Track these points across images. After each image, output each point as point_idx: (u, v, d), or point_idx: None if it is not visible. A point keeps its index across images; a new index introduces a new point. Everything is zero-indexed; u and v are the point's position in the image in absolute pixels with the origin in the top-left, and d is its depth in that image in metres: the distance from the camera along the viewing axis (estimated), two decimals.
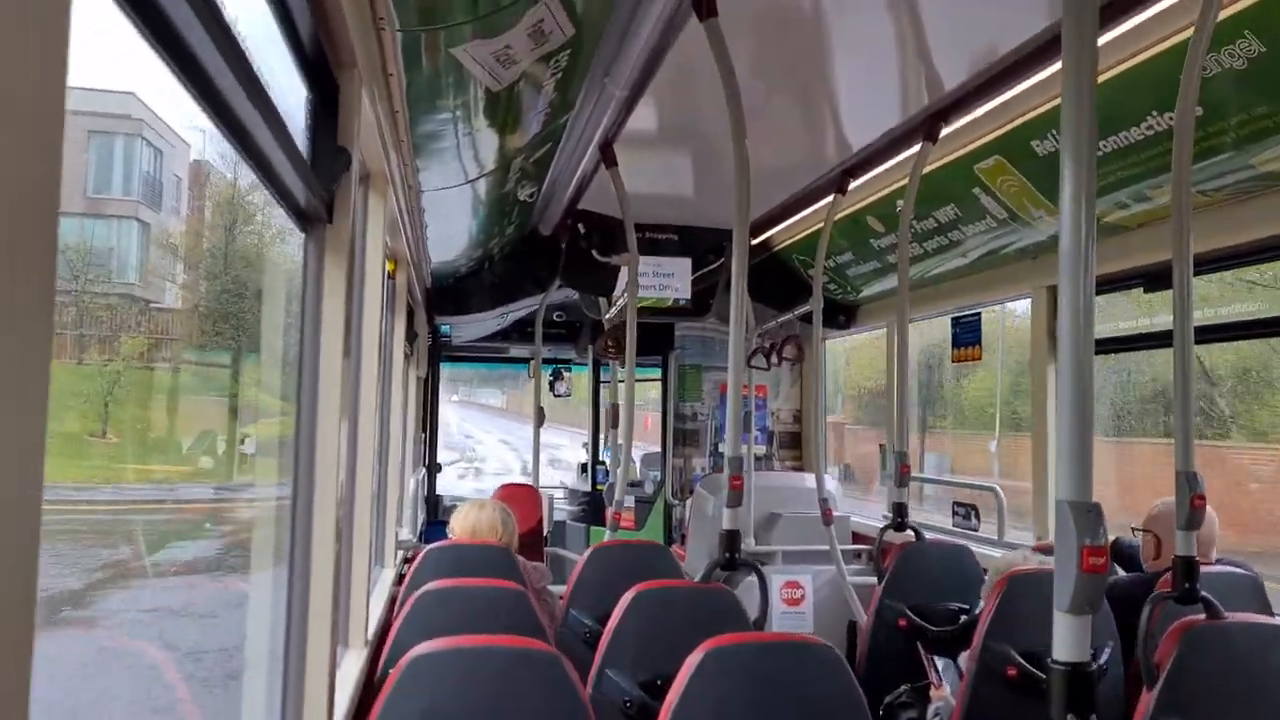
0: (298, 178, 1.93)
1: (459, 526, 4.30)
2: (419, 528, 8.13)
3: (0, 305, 0.59)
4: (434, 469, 9.49)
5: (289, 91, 2.02)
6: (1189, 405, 2.92)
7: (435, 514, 9.16)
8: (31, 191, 0.63)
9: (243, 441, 4.21)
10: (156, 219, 4.50)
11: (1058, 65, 2.81)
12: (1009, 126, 4.31)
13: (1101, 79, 3.64)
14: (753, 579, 3.66)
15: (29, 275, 0.63)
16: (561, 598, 4.14)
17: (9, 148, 0.60)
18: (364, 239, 3.27)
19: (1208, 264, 3.92)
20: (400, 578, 4.62)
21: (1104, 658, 3.28)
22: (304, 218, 2.24)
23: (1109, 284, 4.55)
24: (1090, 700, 1.62)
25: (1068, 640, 1.66)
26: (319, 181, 2.16)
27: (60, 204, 0.68)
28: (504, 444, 29.45)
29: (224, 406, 4.26)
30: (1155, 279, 4.31)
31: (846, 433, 21.09)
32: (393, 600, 4.35)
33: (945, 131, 4.45)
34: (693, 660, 2.41)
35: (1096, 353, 4.69)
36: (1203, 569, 2.97)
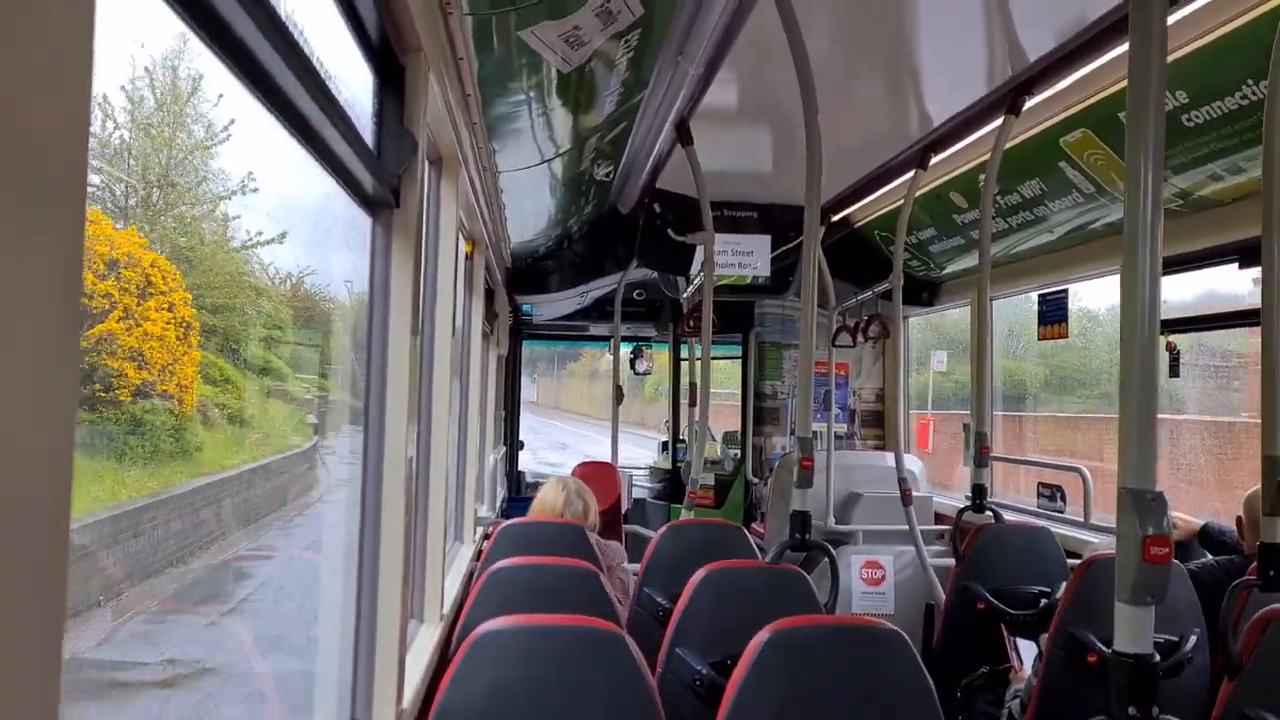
0: (362, 165, 1.96)
1: (535, 505, 4.36)
2: (500, 504, 8.24)
3: (24, 309, 0.61)
4: (516, 446, 9.60)
5: (354, 78, 2.05)
6: (1278, 386, 2.81)
7: (517, 491, 9.29)
8: (57, 193, 0.66)
9: None
10: None
11: None
12: (1095, 99, 4.18)
13: (1193, 46, 3.51)
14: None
15: (54, 276, 0.65)
16: (636, 575, 4.17)
17: (34, 149, 0.62)
18: (436, 221, 3.31)
19: None
20: (479, 554, 4.70)
21: (1188, 646, 3.19)
22: (370, 204, 2.28)
23: (1200, 259, 4.39)
24: (1152, 693, 1.57)
25: (1129, 631, 1.62)
26: (385, 166, 2.20)
27: (86, 207, 0.70)
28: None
29: None
30: (1250, 253, 4.14)
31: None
32: (470, 576, 4.43)
33: (1029, 104, 4.33)
34: (758, 642, 2.41)
35: (1179, 331, 4.53)
36: None
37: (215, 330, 2.81)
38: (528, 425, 11.15)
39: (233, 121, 2.51)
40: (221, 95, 2.49)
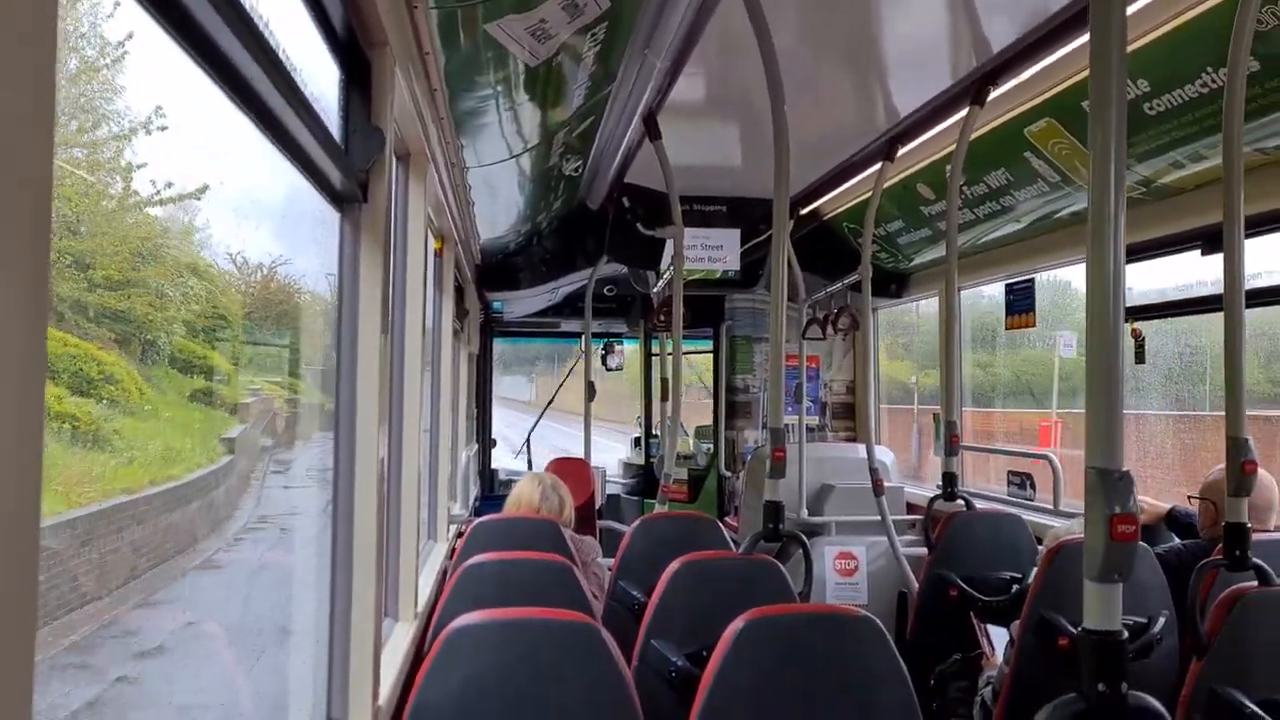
0: (329, 159, 1.95)
1: (510, 500, 4.35)
2: (473, 502, 8.22)
3: None
4: (487, 444, 9.58)
5: (320, 73, 2.04)
6: (1240, 371, 2.85)
7: (490, 488, 9.27)
8: (23, 193, 0.65)
9: None
10: None
11: None
12: (1059, 88, 4.22)
13: (1153, 35, 3.55)
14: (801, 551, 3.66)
15: (21, 276, 0.65)
16: (610, 570, 4.17)
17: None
18: (405, 217, 3.29)
19: (1264, 225, 3.81)
20: (452, 551, 4.68)
21: (1157, 627, 3.23)
22: (338, 199, 2.27)
23: (1163, 247, 4.45)
24: (1121, 669, 1.60)
25: (1098, 609, 1.64)
26: (352, 161, 2.18)
27: (53, 206, 0.69)
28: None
29: None
30: (1214, 240, 4.20)
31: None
32: (444, 573, 4.41)
33: (994, 95, 4.37)
34: (733, 630, 2.42)
35: (1141, 318, 4.59)
36: (1258, 536, 2.91)
37: (114, 314, 2.05)
38: (522, 428, 11.03)
39: (130, 37, 1.76)
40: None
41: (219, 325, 2.68)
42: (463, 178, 4.43)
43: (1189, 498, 4.05)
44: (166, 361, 2.26)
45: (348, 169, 2.12)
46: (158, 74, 1.84)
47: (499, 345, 10.72)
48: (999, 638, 4.19)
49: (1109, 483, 1.64)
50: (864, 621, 2.47)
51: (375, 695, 2.38)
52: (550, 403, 11.19)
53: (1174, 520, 4.28)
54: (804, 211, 6.97)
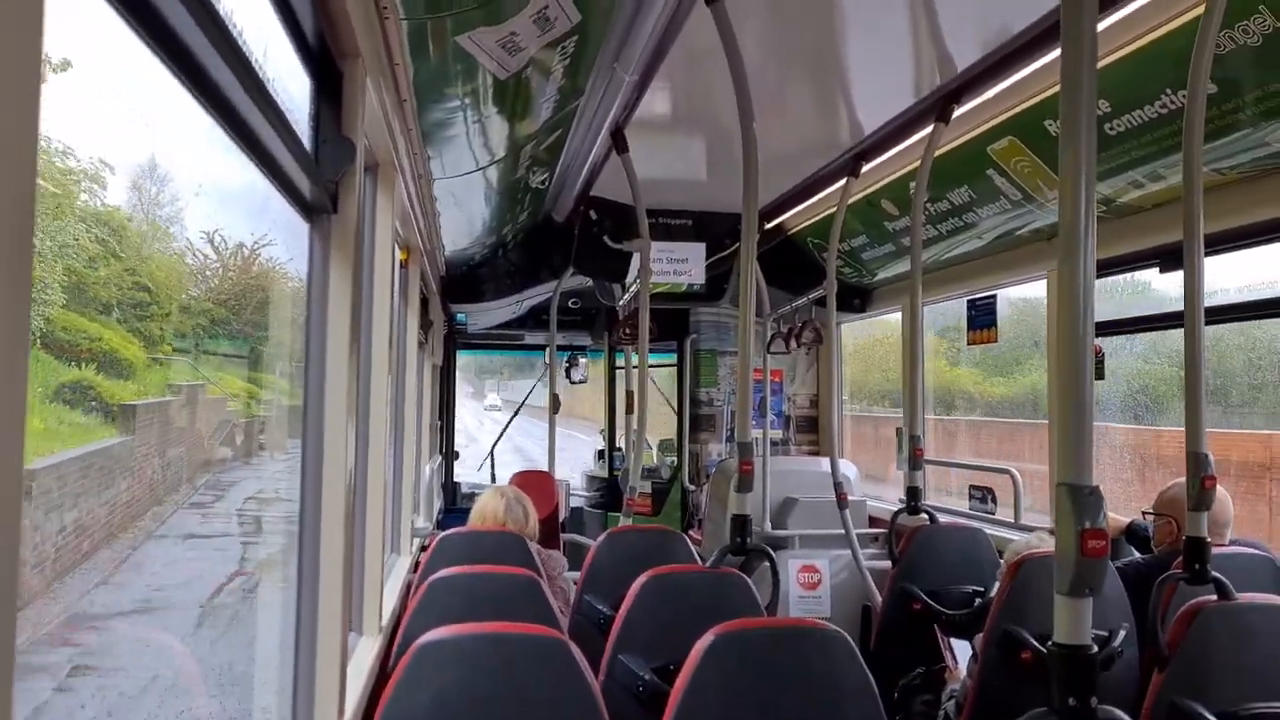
0: (300, 169, 1.93)
1: (474, 514, 4.32)
2: (436, 515, 8.17)
3: None
4: (451, 456, 9.52)
5: (290, 82, 2.02)
6: (1200, 386, 2.90)
7: (453, 501, 9.21)
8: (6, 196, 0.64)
9: None
10: None
11: None
12: (1022, 107, 4.28)
13: (1115, 56, 3.61)
14: (768, 565, 3.67)
15: (4, 274, 0.64)
16: (576, 583, 4.15)
17: None
18: (373, 228, 3.27)
19: (1221, 244, 3.88)
20: (416, 565, 4.64)
21: (1118, 640, 3.27)
22: (308, 209, 2.25)
23: (1123, 264, 4.52)
24: (1091, 683, 1.61)
25: (1068, 623, 1.65)
26: (323, 172, 2.17)
27: (35, 206, 0.68)
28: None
29: None
30: (1171, 258, 4.27)
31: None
32: (408, 587, 4.38)
33: (958, 113, 4.42)
34: (701, 645, 2.42)
35: (1102, 334, 4.65)
36: (1216, 550, 2.95)
37: None
38: (535, 438, 11.00)
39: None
40: None
41: (139, 300, 2.10)
42: (429, 189, 4.41)
43: (1144, 513, 4.10)
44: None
45: (318, 179, 2.10)
46: None
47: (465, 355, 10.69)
48: (962, 651, 4.23)
49: (1079, 498, 1.65)
50: (833, 635, 2.48)
51: (341, 710, 2.35)
52: (516, 413, 11.29)
53: (1133, 534, 4.33)
54: (769, 226, 7.01)
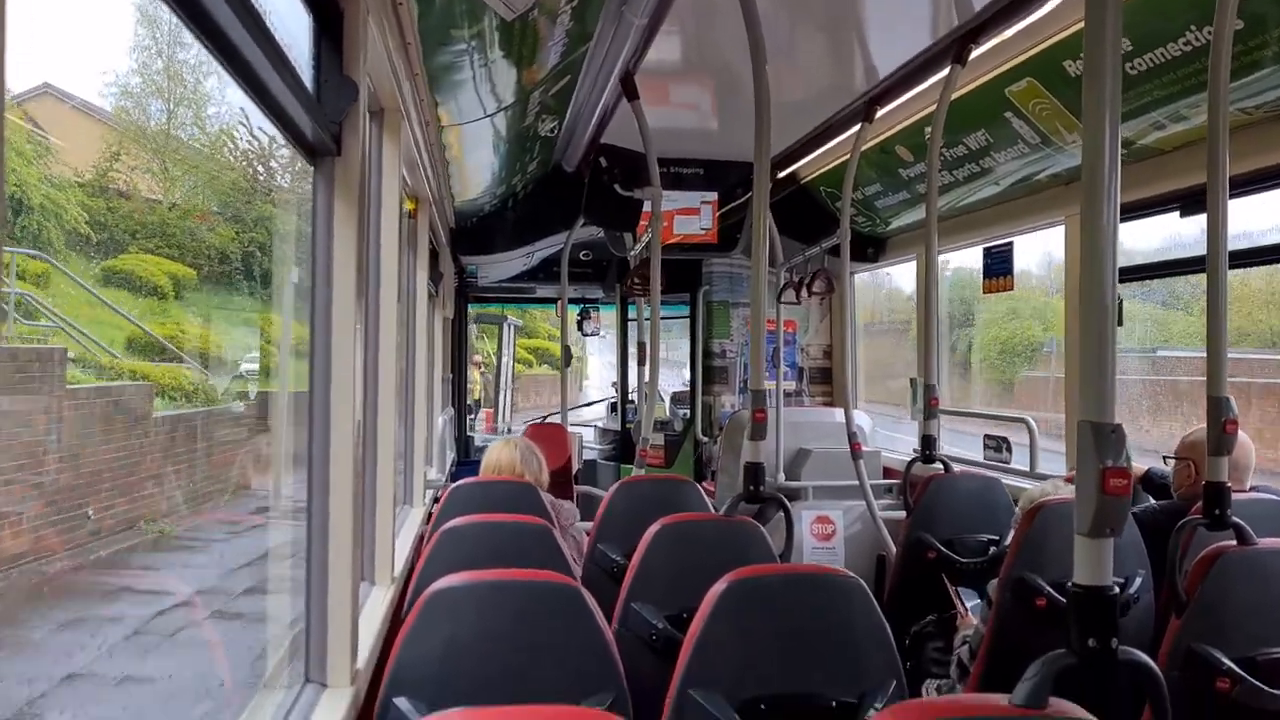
0: (301, 109, 1.89)
1: (485, 464, 4.32)
2: (449, 467, 8.19)
3: None
4: (464, 409, 9.53)
5: (289, 20, 1.97)
6: (1222, 331, 2.84)
7: (466, 453, 9.23)
8: None
9: None
10: None
11: None
12: (1041, 47, 4.18)
13: None
14: (782, 516, 3.65)
15: None
16: (589, 533, 4.15)
17: None
18: (379, 175, 3.22)
19: (1246, 185, 3.80)
20: (429, 516, 4.65)
21: (1134, 587, 3.25)
22: (311, 151, 2.21)
23: (1144, 208, 4.44)
24: (1113, 624, 1.58)
25: (1088, 564, 1.62)
26: (325, 111, 2.12)
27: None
28: None
29: None
30: (1192, 202, 4.19)
31: None
32: (422, 538, 4.38)
33: (975, 54, 4.33)
34: (715, 592, 2.40)
35: (1123, 280, 4.58)
36: (1236, 496, 2.91)
37: None
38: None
39: None
40: None
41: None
42: (437, 136, 4.35)
43: (1164, 458, 4.06)
44: None
45: (321, 120, 2.06)
46: None
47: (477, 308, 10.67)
48: (969, 599, 4.21)
49: (1101, 436, 1.62)
50: (848, 581, 2.45)
51: (354, 658, 2.35)
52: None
53: (1149, 481, 4.29)
54: (781, 175, 6.92)
